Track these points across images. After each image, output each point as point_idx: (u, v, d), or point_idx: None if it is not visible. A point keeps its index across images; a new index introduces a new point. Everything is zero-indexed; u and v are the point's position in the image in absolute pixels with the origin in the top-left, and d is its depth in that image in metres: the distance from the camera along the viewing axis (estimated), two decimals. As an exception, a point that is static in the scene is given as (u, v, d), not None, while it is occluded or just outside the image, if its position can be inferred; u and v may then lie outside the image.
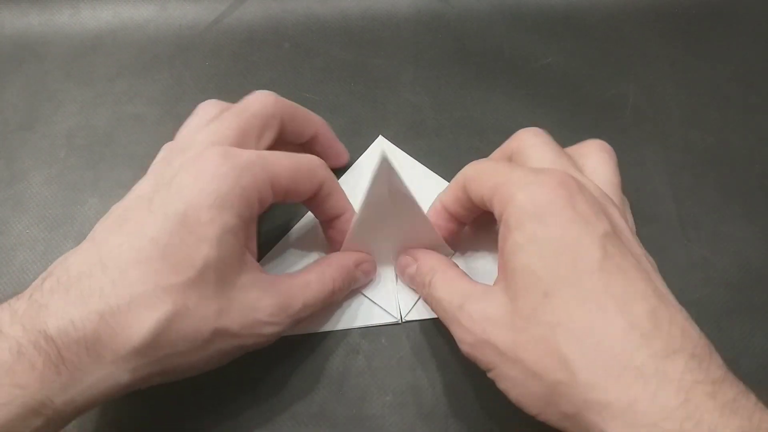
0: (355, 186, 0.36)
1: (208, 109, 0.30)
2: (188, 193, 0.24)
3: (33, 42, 0.43)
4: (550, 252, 0.23)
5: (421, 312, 0.32)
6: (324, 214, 0.30)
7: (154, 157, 0.38)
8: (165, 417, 0.30)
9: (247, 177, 0.25)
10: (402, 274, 0.31)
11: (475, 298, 0.25)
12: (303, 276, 0.29)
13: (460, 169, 0.37)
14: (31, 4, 0.44)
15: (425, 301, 0.30)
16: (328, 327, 0.31)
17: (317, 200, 0.29)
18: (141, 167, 0.37)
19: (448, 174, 0.36)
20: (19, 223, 0.35)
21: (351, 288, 0.31)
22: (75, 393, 0.22)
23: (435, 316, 0.31)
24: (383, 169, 0.26)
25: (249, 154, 0.26)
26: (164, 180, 0.25)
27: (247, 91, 0.41)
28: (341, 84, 0.41)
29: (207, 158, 0.25)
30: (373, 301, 0.32)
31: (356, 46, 0.42)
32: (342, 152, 0.36)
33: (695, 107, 0.40)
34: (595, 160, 0.29)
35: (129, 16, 0.44)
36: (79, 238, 0.35)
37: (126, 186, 0.36)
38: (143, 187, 0.27)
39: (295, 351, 0.31)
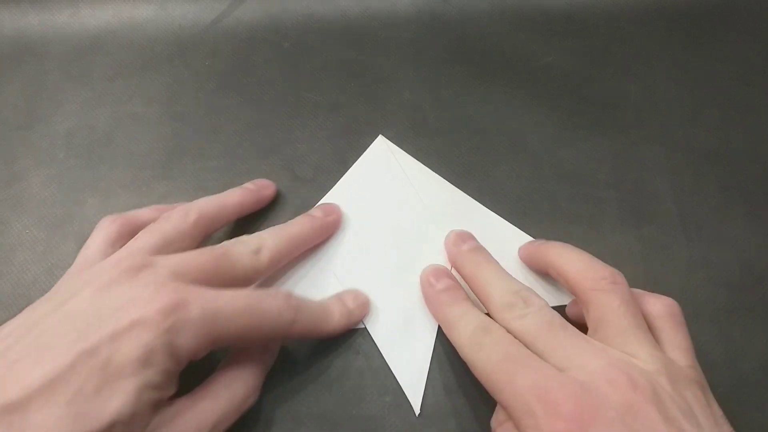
0: (354, 188, 0.35)
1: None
2: (120, 339, 0.22)
3: (32, 42, 0.43)
4: None
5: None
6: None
7: (153, 156, 0.38)
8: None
9: (186, 337, 0.23)
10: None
11: None
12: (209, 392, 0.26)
13: (460, 170, 0.37)
14: (31, 4, 0.44)
15: None
16: None
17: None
18: (140, 167, 0.37)
19: (448, 174, 0.36)
20: (19, 223, 0.35)
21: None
22: None
23: None
24: None
25: (200, 311, 0.24)
26: (105, 303, 0.23)
27: (246, 91, 0.41)
28: (341, 84, 0.40)
29: (154, 302, 0.23)
30: (394, 376, 0.30)
31: (356, 45, 0.42)
32: (264, 188, 0.34)
33: (696, 107, 0.40)
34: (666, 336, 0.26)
35: (129, 15, 0.44)
36: (79, 238, 0.35)
37: (126, 186, 0.37)
38: (78, 302, 0.24)
39: (295, 351, 0.31)
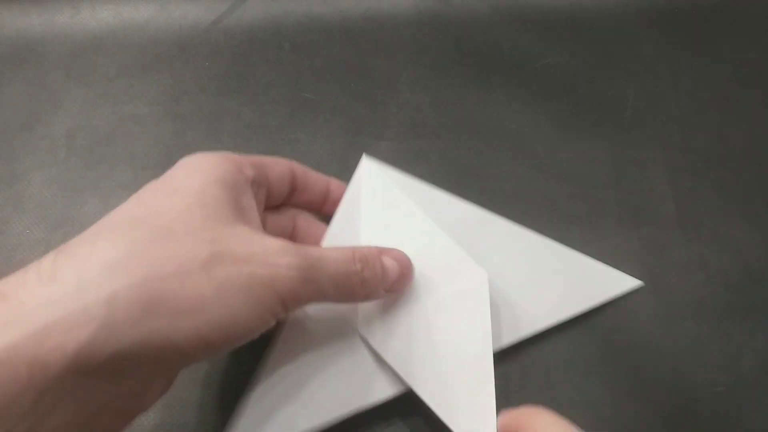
0: (352, 222, 0.31)
1: None
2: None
3: (33, 42, 0.43)
4: None
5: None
6: (311, 192, 0.30)
7: (154, 157, 0.38)
8: (166, 416, 0.30)
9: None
10: None
11: None
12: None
13: (459, 170, 0.37)
14: (32, 4, 0.44)
15: None
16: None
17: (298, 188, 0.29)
18: (141, 167, 0.37)
19: (447, 175, 0.36)
20: (20, 223, 0.35)
21: (382, 283, 0.27)
22: None
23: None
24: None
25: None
26: None
27: (247, 92, 0.41)
28: (341, 84, 0.41)
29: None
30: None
31: (356, 46, 0.42)
32: (333, 183, 0.32)
33: (695, 107, 0.40)
34: None
35: (129, 16, 0.44)
36: (80, 238, 0.35)
37: (126, 186, 0.37)
38: None
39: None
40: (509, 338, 0.30)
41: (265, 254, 0.22)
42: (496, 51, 0.42)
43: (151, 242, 0.21)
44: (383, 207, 0.31)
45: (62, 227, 0.35)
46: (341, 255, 0.25)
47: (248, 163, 0.27)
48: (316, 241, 0.31)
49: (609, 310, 0.33)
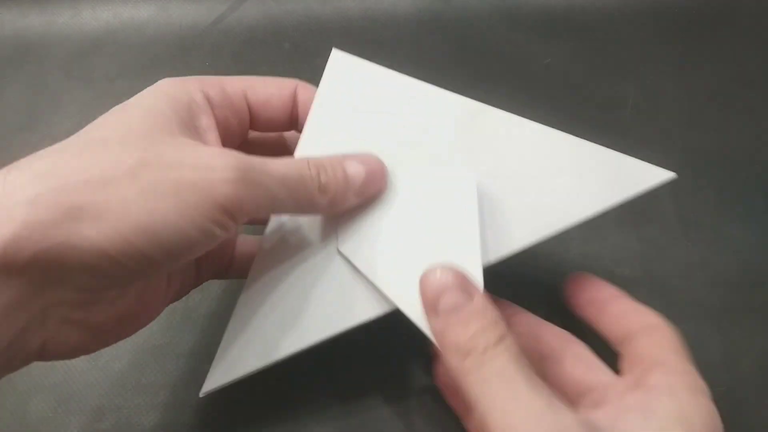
0: (327, 127, 0.28)
1: None
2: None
3: (33, 43, 0.43)
4: None
5: None
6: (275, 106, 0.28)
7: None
8: (166, 416, 0.30)
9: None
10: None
11: None
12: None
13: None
14: (32, 4, 0.44)
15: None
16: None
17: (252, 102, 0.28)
18: (141, 168, 0.37)
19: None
20: (20, 223, 0.35)
21: (348, 188, 0.25)
22: None
23: None
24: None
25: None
26: None
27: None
28: (341, 84, 0.40)
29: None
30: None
31: (356, 46, 0.42)
32: None
33: (695, 107, 0.40)
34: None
35: (129, 16, 0.44)
36: (80, 238, 0.35)
37: (126, 186, 0.37)
38: None
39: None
40: (521, 242, 0.26)
41: (197, 159, 0.21)
42: (495, 51, 0.42)
43: (81, 152, 0.22)
44: (358, 107, 0.29)
45: (62, 227, 0.35)
46: (293, 161, 0.24)
47: (212, 84, 0.26)
48: None
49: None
